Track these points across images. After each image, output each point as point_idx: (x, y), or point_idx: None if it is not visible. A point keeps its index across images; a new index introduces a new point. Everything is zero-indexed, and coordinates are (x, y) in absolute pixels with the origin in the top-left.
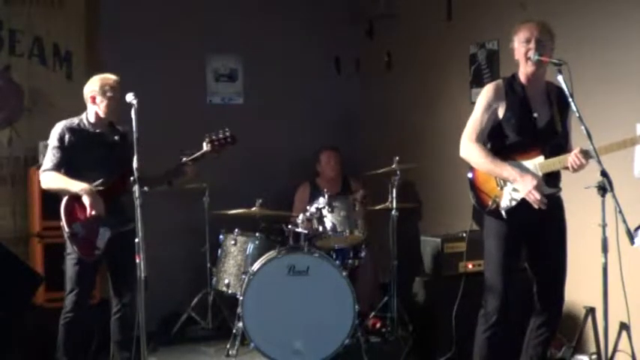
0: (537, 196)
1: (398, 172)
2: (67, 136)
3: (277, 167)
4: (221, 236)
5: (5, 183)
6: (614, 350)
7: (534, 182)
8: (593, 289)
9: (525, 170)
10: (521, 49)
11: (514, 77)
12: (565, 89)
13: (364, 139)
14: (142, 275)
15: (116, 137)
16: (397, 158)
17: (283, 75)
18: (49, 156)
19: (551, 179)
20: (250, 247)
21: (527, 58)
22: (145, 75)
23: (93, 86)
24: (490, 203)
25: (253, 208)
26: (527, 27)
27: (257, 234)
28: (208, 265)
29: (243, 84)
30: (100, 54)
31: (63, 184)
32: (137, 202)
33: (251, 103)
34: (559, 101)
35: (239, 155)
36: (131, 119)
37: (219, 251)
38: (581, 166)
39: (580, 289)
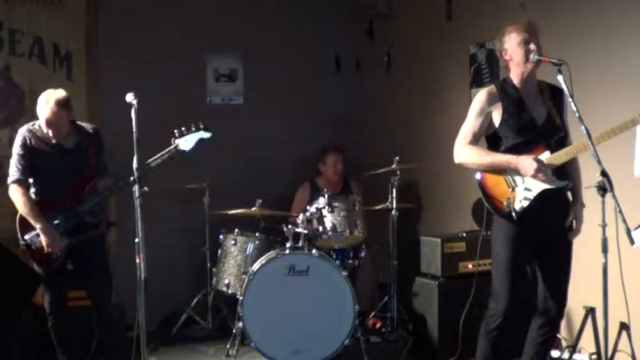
0: (543, 174)
1: (398, 172)
2: (27, 144)
3: (277, 167)
4: (221, 236)
5: (5, 183)
6: (614, 350)
7: (534, 163)
8: (593, 289)
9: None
10: (519, 50)
11: (505, 80)
12: (565, 89)
13: (364, 139)
14: (142, 275)
15: (72, 144)
16: (397, 158)
17: (283, 75)
18: (13, 164)
19: (560, 173)
20: (250, 247)
21: (527, 59)
22: (145, 75)
23: (39, 110)
24: (504, 206)
25: (253, 208)
26: (524, 28)
27: (257, 234)
28: (208, 265)
29: (243, 84)
30: (100, 54)
31: (25, 212)
32: (137, 202)
33: (251, 103)
34: (552, 97)
35: (239, 155)
36: (131, 118)
37: (219, 251)
38: None
39: (580, 289)
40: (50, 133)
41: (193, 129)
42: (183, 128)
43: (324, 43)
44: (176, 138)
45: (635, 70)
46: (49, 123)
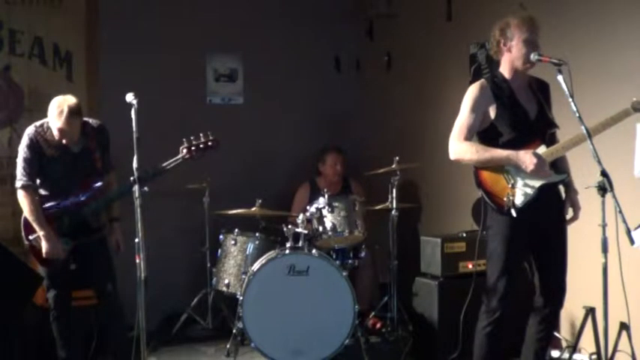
0: (544, 168)
1: (398, 172)
2: (32, 147)
3: (277, 167)
4: (221, 236)
5: (5, 183)
6: (614, 350)
7: (534, 158)
8: (593, 289)
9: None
10: (522, 47)
11: (495, 75)
12: (565, 89)
13: (364, 139)
14: (142, 275)
15: (79, 148)
16: (397, 158)
17: (283, 75)
18: (20, 168)
19: (557, 166)
20: (250, 247)
21: (528, 58)
22: (145, 75)
23: (49, 114)
24: (505, 202)
25: (253, 208)
26: (530, 26)
27: (257, 234)
28: (208, 265)
29: (243, 84)
30: (100, 54)
31: (30, 217)
32: (137, 202)
33: (251, 103)
34: (541, 93)
35: (239, 155)
36: (131, 118)
37: (219, 251)
38: None
39: (580, 289)
40: (64, 141)
41: (202, 139)
42: (192, 138)
43: (324, 43)
44: (185, 147)
45: (635, 71)
46: (64, 133)
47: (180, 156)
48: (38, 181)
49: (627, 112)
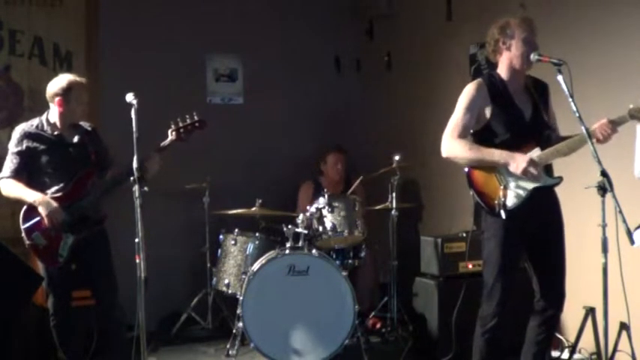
0: (534, 171)
1: (398, 172)
2: (25, 141)
3: (277, 167)
4: (221, 236)
5: None
6: (614, 350)
7: (526, 158)
8: (593, 289)
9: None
10: (520, 46)
11: (492, 75)
12: (565, 89)
13: (364, 139)
14: (142, 275)
15: (75, 138)
16: (397, 158)
17: (283, 75)
18: (8, 162)
19: (549, 170)
20: (250, 247)
21: (528, 57)
22: (145, 75)
23: (59, 87)
24: (496, 203)
25: (253, 208)
26: (529, 26)
27: (257, 234)
28: (208, 265)
29: (243, 84)
30: (100, 54)
31: (19, 193)
32: (137, 202)
33: (251, 103)
34: (537, 92)
35: (239, 155)
36: (131, 118)
37: (219, 251)
38: (608, 137)
39: (580, 289)
40: (69, 115)
41: (188, 120)
42: (179, 119)
43: (324, 43)
44: (173, 130)
45: (635, 71)
46: (86, 87)
47: (169, 139)
48: (46, 179)
49: (624, 118)
